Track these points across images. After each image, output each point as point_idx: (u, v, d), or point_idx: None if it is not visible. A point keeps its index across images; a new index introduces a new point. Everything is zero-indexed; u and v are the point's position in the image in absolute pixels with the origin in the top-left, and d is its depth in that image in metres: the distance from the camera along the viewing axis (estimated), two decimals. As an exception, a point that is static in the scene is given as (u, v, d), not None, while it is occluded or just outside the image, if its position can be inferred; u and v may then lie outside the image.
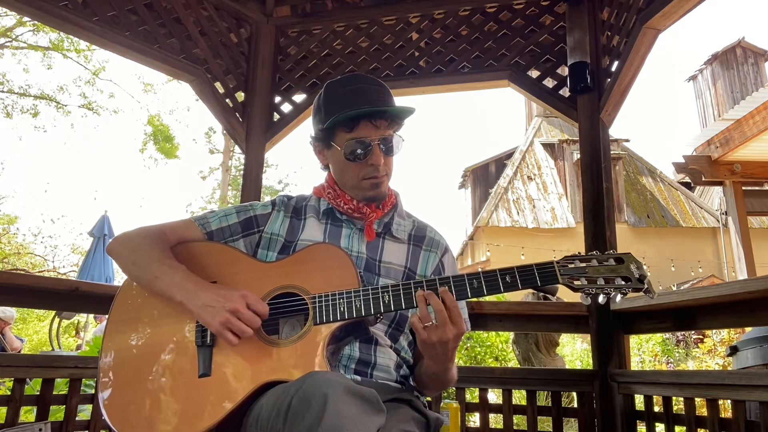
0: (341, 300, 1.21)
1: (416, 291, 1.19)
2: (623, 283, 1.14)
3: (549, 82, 2.70)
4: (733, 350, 2.65)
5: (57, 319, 6.98)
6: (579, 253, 1.22)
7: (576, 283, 1.16)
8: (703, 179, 6.77)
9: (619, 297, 1.14)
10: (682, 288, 9.83)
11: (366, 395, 0.96)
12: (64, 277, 13.76)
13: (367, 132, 1.33)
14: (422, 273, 1.44)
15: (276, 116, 2.97)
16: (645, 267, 1.19)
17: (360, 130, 1.33)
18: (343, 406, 0.90)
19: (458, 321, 1.15)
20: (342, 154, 1.35)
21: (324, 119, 1.36)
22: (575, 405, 2.27)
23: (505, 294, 1.22)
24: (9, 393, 1.92)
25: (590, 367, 2.36)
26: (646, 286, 1.14)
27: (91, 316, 8.40)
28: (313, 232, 1.41)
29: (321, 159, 1.48)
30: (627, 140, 15.58)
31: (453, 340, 1.16)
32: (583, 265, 1.17)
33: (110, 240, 1.45)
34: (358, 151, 1.33)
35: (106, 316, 1.33)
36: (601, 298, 1.15)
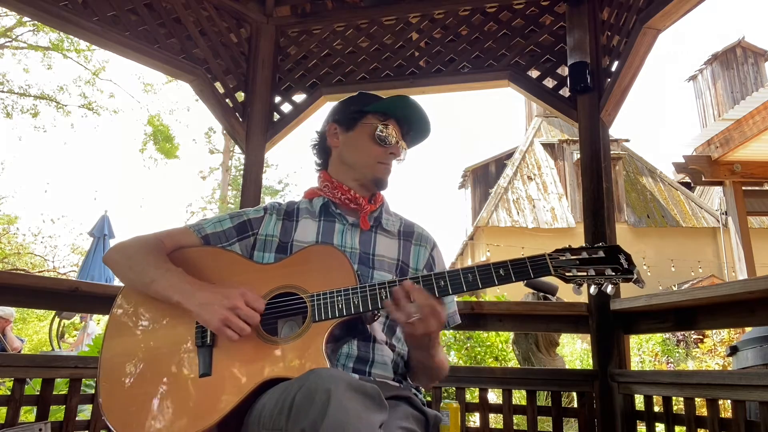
0: (339, 297, 1.22)
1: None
2: (613, 273, 1.18)
3: (549, 82, 2.70)
4: (733, 350, 2.65)
5: (57, 319, 6.98)
6: (569, 245, 1.25)
7: (567, 274, 1.20)
8: (703, 179, 6.77)
9: (609, 288, 1.18)
10: (682, 288, 9.83)
11: (368, 391, 0.96)
12: (64, 277, 13.75)
13: (394, 133, 1.50)
14: (414, 266, 1.49)
15: (276, 116, 2.96)
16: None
17: (389, 126, 1.49)
18: (346, 401, 0.90)
19: (440, 313, 1.19)
20: (372, 133, 1.47)
21: (365, 103, 1.51)
22: (575, 405, 2.27)
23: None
24: (9, 393, 1.92)
25: (590, 367, 2.36)
26: (635, 276, 1.18)
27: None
28: (306, 231, 1.45)
29: (333, 142, 1.55)
30: (627, 140, 15.57)
31: (436, 330, 1.21)
32: (574, 257, 1.21)
33: (109, 248, 1.47)
34: (385, 138, 1.47)
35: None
36: (592, 289, 1.19)
